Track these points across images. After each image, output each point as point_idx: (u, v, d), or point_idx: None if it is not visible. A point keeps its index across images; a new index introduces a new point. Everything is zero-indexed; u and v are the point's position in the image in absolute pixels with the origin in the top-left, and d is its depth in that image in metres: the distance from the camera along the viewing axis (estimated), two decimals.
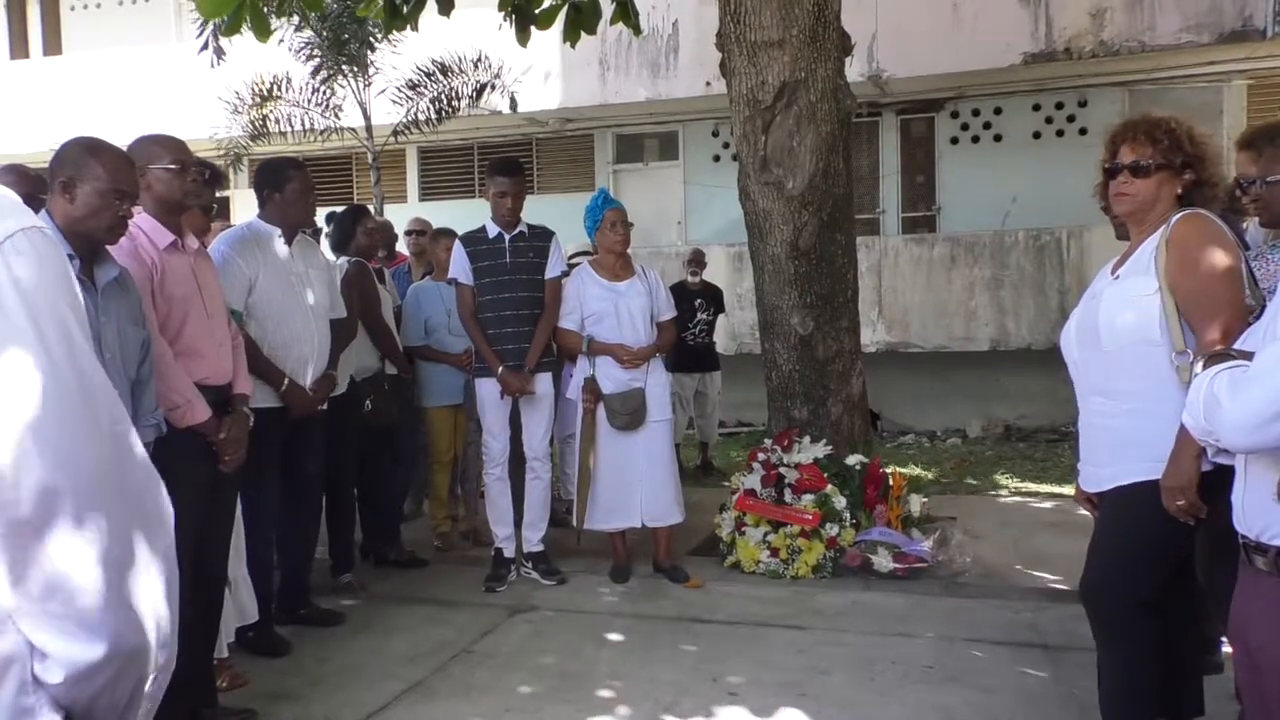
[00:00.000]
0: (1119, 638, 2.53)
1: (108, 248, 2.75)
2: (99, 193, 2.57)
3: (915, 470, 7.70)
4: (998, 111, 10.72)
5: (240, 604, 3.71)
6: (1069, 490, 6.27)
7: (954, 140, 10.93)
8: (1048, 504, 6.37)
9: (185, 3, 12.63)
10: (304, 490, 4.15)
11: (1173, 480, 2.27)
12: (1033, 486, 7.09)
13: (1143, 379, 2.39)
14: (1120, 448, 2.45)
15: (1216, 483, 2.02)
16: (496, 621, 4.28)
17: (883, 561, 4.65)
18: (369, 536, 5.22)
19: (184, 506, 2.93)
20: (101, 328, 2.63)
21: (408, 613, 4.43)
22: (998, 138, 10.77)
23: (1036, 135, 10.60)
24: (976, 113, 10.81)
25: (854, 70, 8.40)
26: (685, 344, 7.20)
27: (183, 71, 11.45)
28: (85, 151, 2.61)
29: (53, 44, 14.09)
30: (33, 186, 3.08)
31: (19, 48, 14.24)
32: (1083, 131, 10.24)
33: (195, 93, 10.88)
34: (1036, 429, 9.69)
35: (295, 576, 4.28)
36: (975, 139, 10.86)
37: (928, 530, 4.97)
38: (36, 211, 2.73)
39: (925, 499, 5.29)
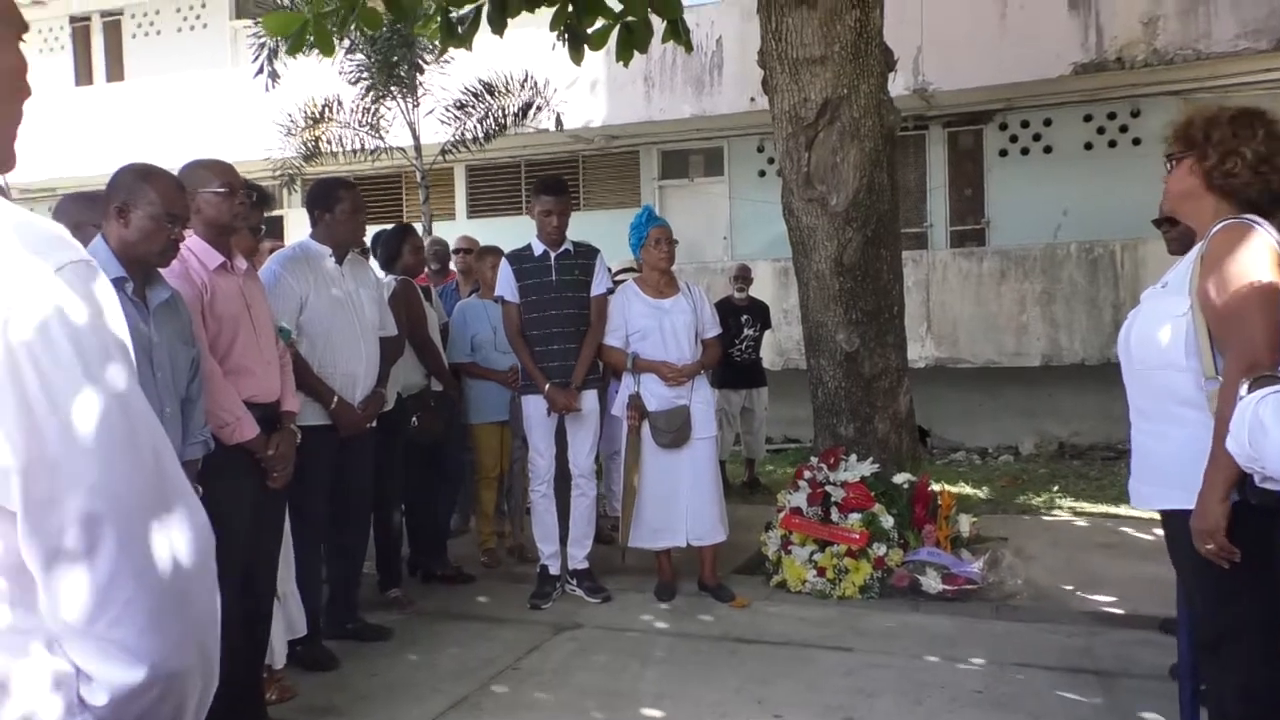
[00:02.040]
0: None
1: (160, 270, 2.81)
2: (151, 217, 2.64)
3: (965, 488, 7.58)
4: (1047, 123, 10.57)
5: (289, 618, 3.76)
6: (1125, 510, 6.13)
7: (1003, 152, 10.80)
8: (1103, 524, 6.23)
9: (241, 29, 12.98)
10: (352, 506, 4.19)
11: (1200, 523, 2.12)
12: (1087, 506, 6.93)
13: (1169, 403, 2.26)
14: (1152, 469, 2.35)
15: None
16: (541, 639, 4.29)
17: (931, 582, 4.57)
18: (416, 552, 5.26)
19: (233, 522, 3.00)
20: (153, 347, 2.69)
21: (454, 629, 4.45)
22: (1048, 149, 10.61)
23: (1088, 146, 10.43)
24: (1026, 124, 10.67)
25: (899, 84, 8.37)
26: (732, 360, 7.17)
27: (238, 95, 11.75)
28: (138, 178, 2.68)
29: (115, 70, 14.52)
30: (97, 214, 3.16)
31: (84, 74, 14.70)
32: (1136, 142, 10.06)
33: (250, 115, 11.15)
34: (1091, 446, 9.50)
35: (344, 591, 4.33)
36: (1025, 151, 10.71)
37: (978, 551, 4.88)
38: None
39: (975, 519, 5.19)
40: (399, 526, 5.01)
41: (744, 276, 7.59)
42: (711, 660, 3.98)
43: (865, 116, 4.95)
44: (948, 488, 5.79)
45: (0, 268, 0.80)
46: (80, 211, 3.17)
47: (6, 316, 0.79)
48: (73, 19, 14.60)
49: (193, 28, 14.12)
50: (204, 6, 13.79)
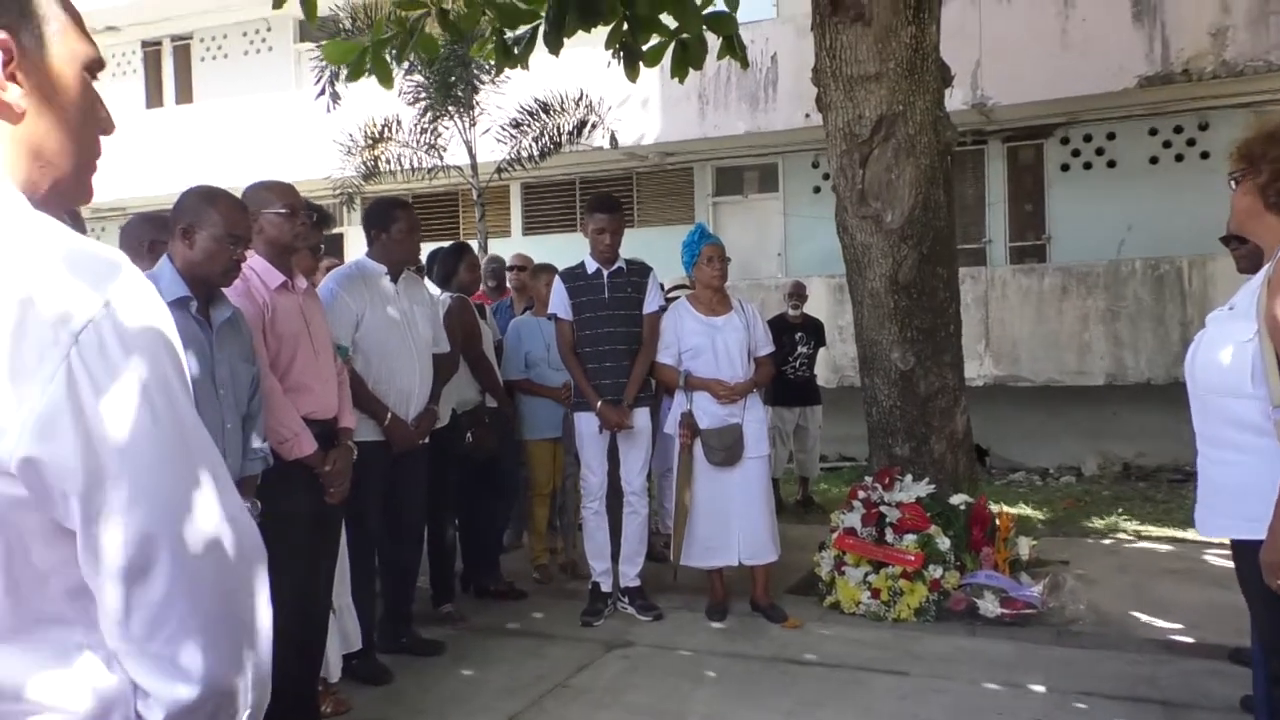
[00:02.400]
0: None
1: (222, 289, 2.88)
2: (215, 238, 2.71)
3: (1025, 510, 7.42)
4: (1111, 137, 10.37)
5: (345, 631, 3.81)
6: (1194, 535, 5.95)
7: (1064, 167, 10.61)
8: (1170, 548, 6.05)
9: (305, 52, 13.31)
10: (406, 521, 4.24)
11: (1270, 556, 2.06)
12: (1153, 530, 6.74)
13: (1235, 430, 2.19)
14: (1218, 497, 2.28)
15: None
16: (592, 656, 4.29)
17: (989, 606, 4.48)
18: (469, 567, 5.30)
19: (290, 536, 3.04)
20: (215, 364, 2.76)
21: (506, 644, 4.47)
22: (1111, 164, 10.40)
23: (1154, 160, 10.20)
24: (1088, 138, 10.47)
25: (957, 99, 8.27)
26: (785, 378, 7.13)
27: (301, 116, 12.03)
28: (203, 200, 2.76)
29: (184, 93, 14.97)
30: (165, 233, 3.25)
31: (154, 97, 15.18)
32: (1204, 156, 9.81)
33: (312, 136, 11.41)
34: (1158, 468, 9.24)
35: (398, 605, 4.37)
36: (1087, 165, 10.51)
37: (1037, 574, 4.77)
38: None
39: (1035, 541, 5.09)
40: (453, 541, 5.05)
41: (799, 294, 7.55)
42: (763, 682, 3.94)
43: (921, 133, 4.90)
44: (1006, 509, 5.67)
45: (58, 293, 0.82)
46: (150, 231, 3.28)
47: (66, 340, 0.81)
48: (144, 43, 15.09)
49: (259, 51, 14.50)
50: (269, 30, 14.16)
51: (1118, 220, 10.06)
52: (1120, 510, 7.50)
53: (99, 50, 1.01)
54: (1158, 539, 6.40)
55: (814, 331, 7.52)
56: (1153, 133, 10.19)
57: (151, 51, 15.22)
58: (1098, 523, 7.08)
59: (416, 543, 4.48)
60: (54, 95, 0.94)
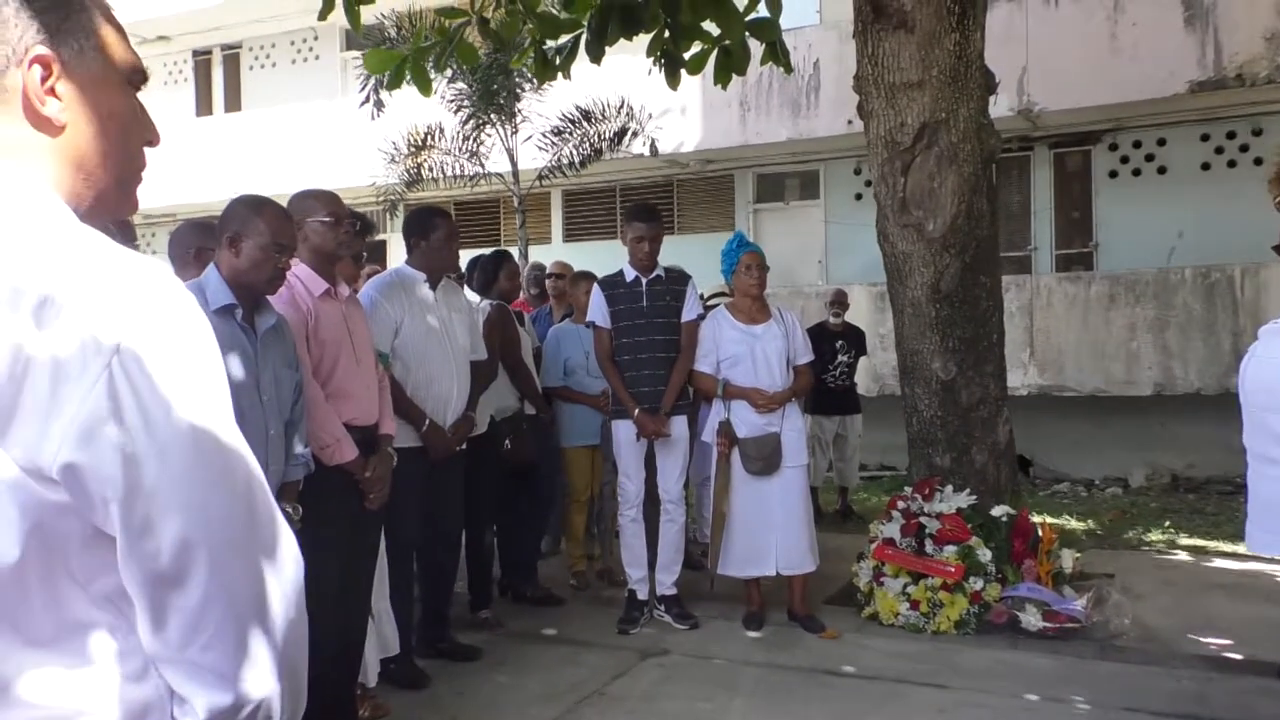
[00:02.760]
0: None
1: (267, 296, 2.93)
2: (260, 247, 2.76)
3: (1069, 521, 7.30)
4: (1161, 143, 10.18)
5: (383, 636, 3.84)
6: (1244, 549, 5.81)
7: (1113, 174, 10.43)
8: (1220, 563, 5.92)
9: (350, 60, 13.50)
10: (444, 527, 4.27)
11: None
12: (1203, 543, 6.60)
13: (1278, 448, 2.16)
14: (1268, 514, 2.24)
15: None
16: (628, 664, 4.29)
17: (1031, 619, 4.41)
18: (507, 573, 5.33)
19: (331, 541, 3.08)
20: (260, 371, 2.81)
21: (542, 651, 4.49)
22: (1161, 170, 10.21)
23: (1205, 167, 10.00)
24: (1138, 144, 10.29)
25: (1002, 105, 8.18)
26: (825, 386, 7.09)
27: (346, 123, 12.19)
28: (249, 209, 2.81)
29: (233, 101, 15.25)
30: (212, 240, 3.31)
31: (204, 106, 15.48)
32: (1258, 161, 9.58)
33: (357, 143, 11.56)
34: (1208, 480, 9.04)
35: (436, 610, 4.41)
36: (1136, 172, 10.33)
37: (1081, 588, 4.68)
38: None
39: (1079, 554, 5.00)
40: (490, 547, 5.08)
41: (840, 302, 7.50)
42: (800, 692, 3.92)
43: (964, 141, 4.85)
44: (1049, 520, 5.59)
45: (101, 303, 0.84)
46: (197, 238, 3.35)
47: (108, 349, 0.83)
48: (195, 53, 15.40)
49: (305, 60, 14.73)
50: (316, 39, 14.38)
51: (1168, 227, 9.87)
52: (1168, 523, 7.35)
53: (141, 61, 1.03)
54: (1207, 553, 6.26)
55: (855, 340, 7.47)
56: (1204, 138, 9.99)
57: (202, 61, 15.53)
58: (1145, 535, 6.94)
59: (454, 548, 4.51)
60: (94, 108, 0.95)
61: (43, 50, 0.91)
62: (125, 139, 0.99)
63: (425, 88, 5.00)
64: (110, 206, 1.00)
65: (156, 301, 0.86)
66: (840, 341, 7.32)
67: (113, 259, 0.88)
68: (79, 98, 0.94)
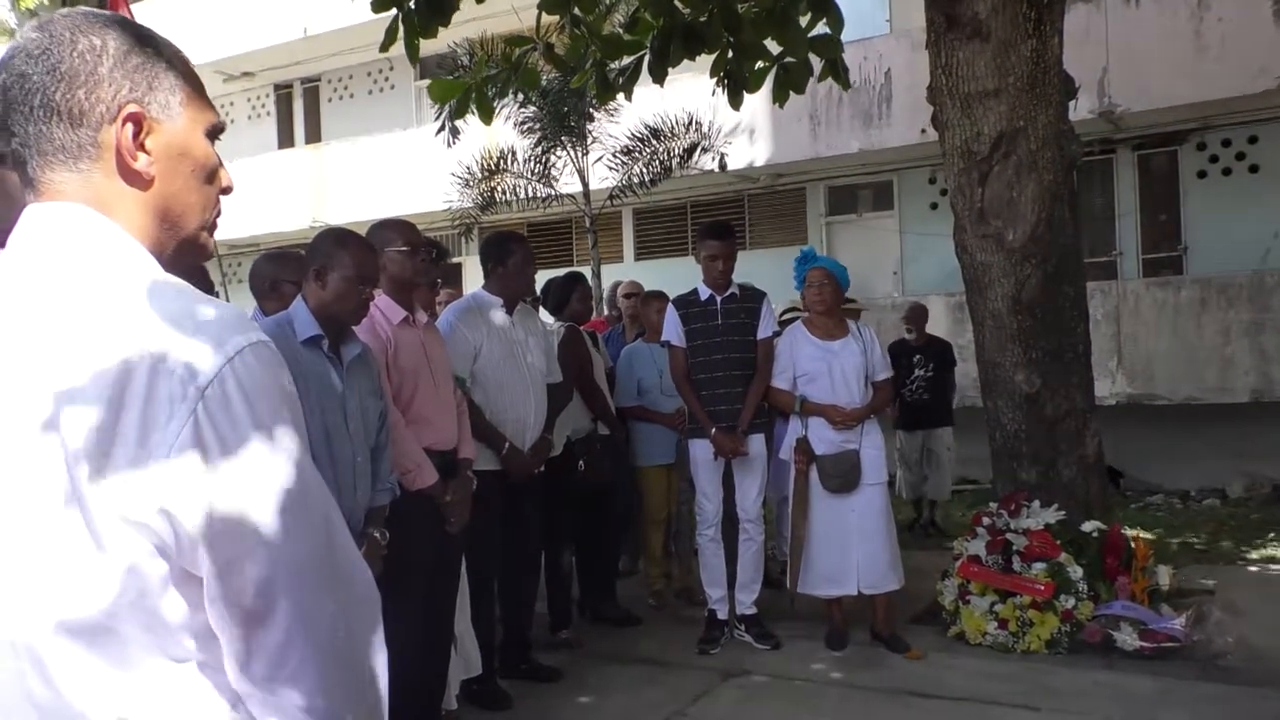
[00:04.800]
0: None
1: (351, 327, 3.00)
2: (346, 280, 2.84)
3: (1164, 535, 7.03)
4: (1252, 140, 9.82)
5: (466, 657, 3.89)
6: None
7: (1201, 174, 10.09)
8: None
9: (424, 90, 13.80)
10: (524, 549, 4.31)
11: None
12: None
13: None
14: None
15: None
16: (709, 685, 4.26)
17: (1127, 639, 4.26)
18: (586, 593, 5.35)
19: (415, 565, 3.13)
20: (346, 400, 2.87)
21: (622, 672, 4.48)
22: (1253, 168, 9.85)
23: None
24: (1227, 143, 9.95)
25: (1083, 107, 7.98)
26: (903, 401, 6.98)
27: (421, 151, 12.48)
28: (335, 243, 2.89)
29: (313, 133, 15.73)
30: (289, 271, 3.41)
31: (285, 138, 16.00)
32: None
33: (432, 169, 11.82)
34: None
35: (517, 631, 4.44)
36: (1226, 171, 9.98)
37: (1180, 605, 4.52)
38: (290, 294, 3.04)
39: (1176, 569, 4.81)
40: (569, 568, 5.10)
41: (914, 319, 7.40)
42: (885, 714, 3.84)
43: (1044, 148, 4.74)
44: (1143, 534, 5.40)
45: (186, 350, 0.87)
46: (274, 270, 3.45)
47: (193, 396, 0.86)
48: (276, 87, 15.94)
49: (382, 90, 15.13)
50: (392, 70, 14.76)
51: (1261, 228, 9.50)
52: (1271, 535, 7.03)
53: (219, 115, 1.08)
54: None
55: (935, 353, 7.33)
56: None
57: (283, 95, 16.07)
58: (1246, 549, 6.65)
59: (534, 570, 4.55)
60: (180, 161, 1.00)
61: (135, 108, 0.96)
62: (206, 189, 1.04)
63: (487, 116, 5.09)
64: (190, 254, 1.04)
65: (237, 346, 0.89)
66: (917, 356, 7.21)
67: (195, 307, 0.91)
68: (166, 152, 0.99)
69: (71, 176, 0.95)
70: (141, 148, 0.97)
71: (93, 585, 0.86)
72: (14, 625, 0.89)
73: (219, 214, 1.07)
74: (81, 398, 0.86)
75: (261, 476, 0.88)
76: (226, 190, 1.08)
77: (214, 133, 1.05)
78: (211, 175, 1.04)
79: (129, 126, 0.95)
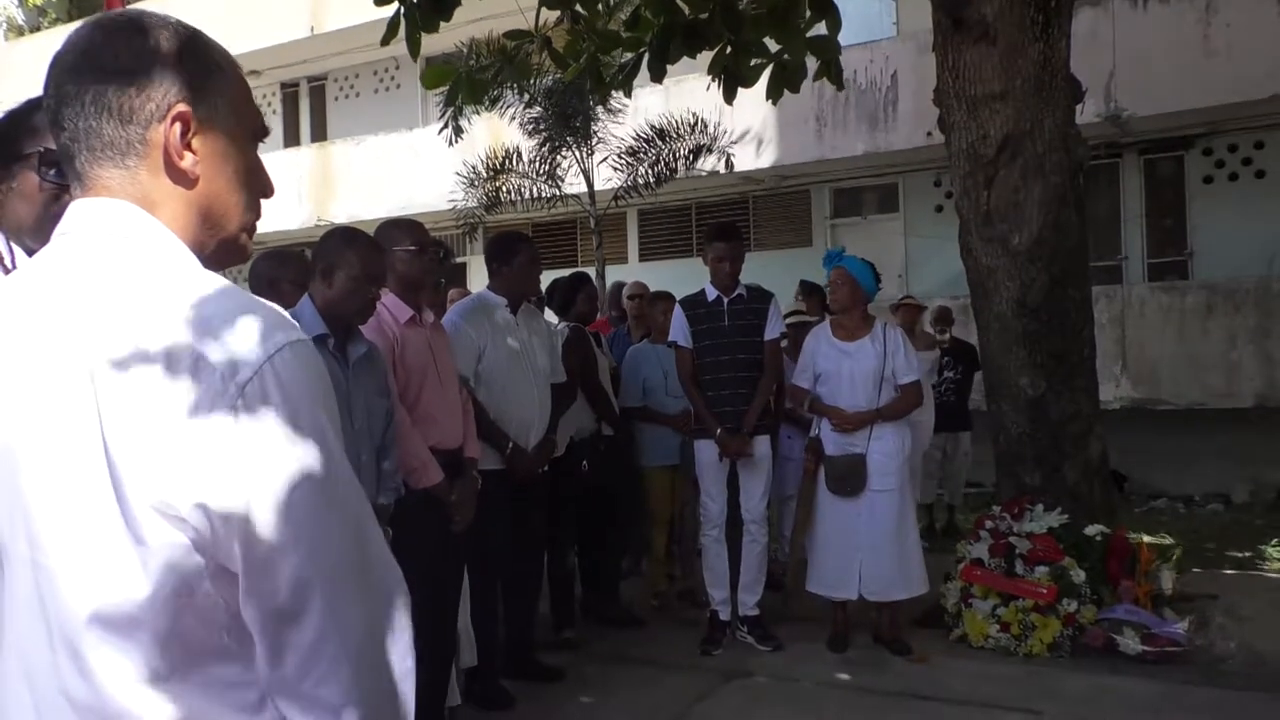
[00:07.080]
0: None
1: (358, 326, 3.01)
2: (352, 279, 2.85)
3: (1167, 540, 7.02)
4: (1259, 146, 9.80)
5: (461, 652, 3.88)
6: None
7: (1208, 179, 10.07)
8: None
9: (430, 91, 13.81)
10: (527, 548, 4.31)
11: None
12: None
13: None
14: None
15: None
16: (711, 687, 4.26)
17: (1130, 643, 4.26)
18: (589, 593, 5.35)
19: (418, 565, 3.13)
20: (351, 399, 2.88)
21: (625, 672, 4.49)
22: (1260, 174, 9.82)
23: None
24: (1233, 148, 9.93)
25: (1089, 110, 7.96)
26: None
27: (427, 150, 12.48)
28: (342, 242, 2.90)
29: (319, 131, 15.75)
30: (289, 271, 3.40)
31: (291, 136, 16.02)
32: None
33: (437, 169, 11.82)
34: None
35: (520, 630, 4.44)
36: (1233, 177, 9.95)
37: (1183, 610, 4.51)
38: (294, 293, 3.05)
39: (1179, 574, 4.81)
40: (572, 568, 5.11)
41: (943, 319, 7.39)
42: (887, 717, 3.85)
43: (1050, 152, 4.74)
44: (1147, 539, 5.39)
45: (226, 347, 0.88)
46: (273, 269, 3.45)
47: (233, 392, 0.87)
48: (283, 85, 15.96)
49: (388, 89, 15.14)
50: (398, 69, 14.77)
51: (1268, 234, 9.47)
52: (1275, 541, 7.02)
53: (263, 119, 1.09)
54: None
55: (962, 357, 7.29)
56: None
57: (289, 93, 16.09)
58: (1249, 554, 6.64)
59: (537, 569, 4.55)
60: (224, 162, 1.01)
61: (184, 108, 0.97)
62: (248, 191, 1.05)
63: (475, 97, 5.13)
64: (229, 254, 1.05)
65: (277, 345, 0.90)
66: (946, 357, 7.20)
67: (237, 304, 0.92)
68: (212, 152, 1.00)
69: (118, 173, 0.96)
70: (188, 147, 0.97)
71: (130, 578, 0.87)
72: (52, 617, 0.90)
73: (259, 217, 1.08)
74: (123, 391, 0.86)
75: (298, 474, 0.89)
76: (267, 194, 1.08)
77: (258, 136, 1.07)
78: (254, 178, 1.05)
79: (177, 125, 0.96)
